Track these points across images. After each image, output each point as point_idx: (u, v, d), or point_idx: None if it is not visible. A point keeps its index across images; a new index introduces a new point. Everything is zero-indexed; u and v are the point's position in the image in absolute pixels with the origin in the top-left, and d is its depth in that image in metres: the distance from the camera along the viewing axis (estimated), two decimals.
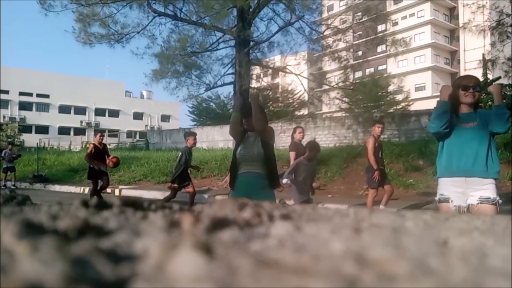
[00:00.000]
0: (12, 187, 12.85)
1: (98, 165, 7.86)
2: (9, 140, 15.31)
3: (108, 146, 12.03)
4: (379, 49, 19.27)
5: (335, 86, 13.76)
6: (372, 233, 0.40)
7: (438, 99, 2.78)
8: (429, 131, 2.78)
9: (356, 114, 16.77)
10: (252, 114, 3.12)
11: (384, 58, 20.79)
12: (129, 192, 11.22)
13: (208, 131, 20.59)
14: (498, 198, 2.61)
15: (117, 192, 11.30)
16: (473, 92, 2.65)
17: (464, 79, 2.80)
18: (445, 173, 2.73)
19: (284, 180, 4.82)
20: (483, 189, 2.61)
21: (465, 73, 36.38)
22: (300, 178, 4.79)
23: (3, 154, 13.76)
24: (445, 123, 2.62)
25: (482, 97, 9.66)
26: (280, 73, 21.83)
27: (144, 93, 53.46)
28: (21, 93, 44.15)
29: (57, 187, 12.84)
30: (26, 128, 41.75)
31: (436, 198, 2.80)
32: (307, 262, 0.31)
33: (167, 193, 10.31)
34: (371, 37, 12.83)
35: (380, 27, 14.33)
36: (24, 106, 44.53)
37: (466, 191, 2.65)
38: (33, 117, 44.84)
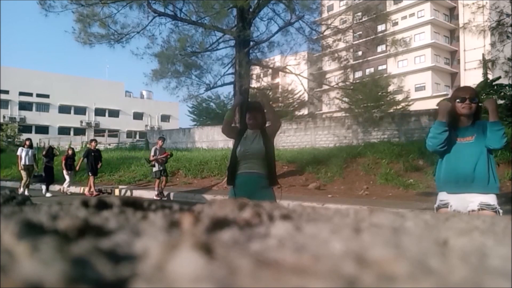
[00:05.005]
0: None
1: None
2: (162, 136, 11.50)
3: (108, 146, 12.04)
4: (379, 49, 19.27)
5: (335, 86, 13.76)
6: (372, 233, 0.40)
7: (438, 101, 2.79)
8: (427, 149, 2.80)
9: (356, 114, 16.76)
10: (257, 111, 3.15)
11: (384, 58, 20.77)
12: (129, 192, 11.24)
13: (208, 131, 20.60)
14: (498, 207, 2.59)
15: (117, 192, 11.30)
16: (470, 103, 2.64)
17: (460, 90, 2.79)
18: (444, 189, 2.74)
19: None
20: (483, 195, 2.61)
21: (465, 73, 36.05)
22: None
23: (153, 153, 10.18)
24: (442, 142, 2.65)
25: (482, 97, 9.62)
26: (280, 73, 21.83)
27: (144, 93, 53.49)
28: (21, 93, 44.18)
29: (57, 187, 12.83)
30: (26, 128, 41.74)
31: (435, 205, 2.78)
32: (307, 262, 0.31)
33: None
34: (371, 37, 12.84)
35: (380, 27, 14.32)
36: (24, 106, 44.56)
37: (466, 199, 2.65)
38: (33, 117, 44.86)
